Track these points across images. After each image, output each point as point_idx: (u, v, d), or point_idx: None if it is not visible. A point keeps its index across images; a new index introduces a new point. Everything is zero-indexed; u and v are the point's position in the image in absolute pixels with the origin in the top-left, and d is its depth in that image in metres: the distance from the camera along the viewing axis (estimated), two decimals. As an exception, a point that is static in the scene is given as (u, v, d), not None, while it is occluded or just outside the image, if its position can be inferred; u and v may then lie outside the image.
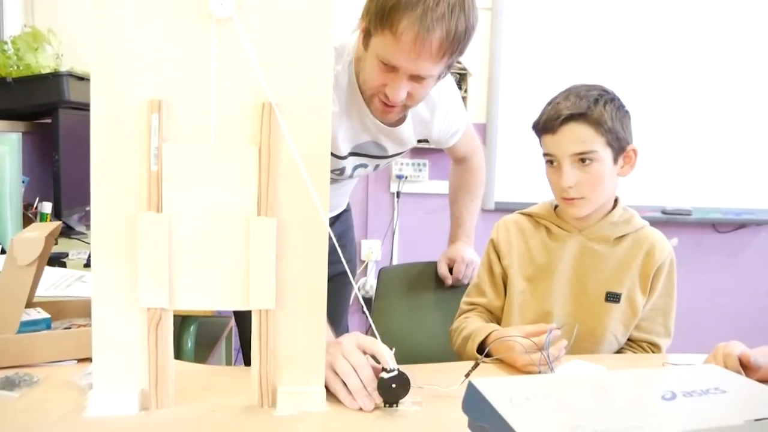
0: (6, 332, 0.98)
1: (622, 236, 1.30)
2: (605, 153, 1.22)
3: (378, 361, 0.91)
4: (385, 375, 0.87)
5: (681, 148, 3.07)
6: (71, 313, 1.19)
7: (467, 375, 0.95)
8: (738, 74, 3.07)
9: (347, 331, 1.79)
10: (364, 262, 2.94)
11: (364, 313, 3.01)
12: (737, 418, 0.63)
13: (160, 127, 0.81)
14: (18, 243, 0.99)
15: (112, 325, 0.84)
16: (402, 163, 2.87)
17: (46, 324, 1.09)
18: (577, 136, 1.21)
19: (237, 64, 0.82)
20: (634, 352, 1.31)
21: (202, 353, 1.79)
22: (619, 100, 1.26)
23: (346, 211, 1.77)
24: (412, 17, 1.07)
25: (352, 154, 1.39)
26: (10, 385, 0.90)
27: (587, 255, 1.30)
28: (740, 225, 3.16)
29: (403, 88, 1.18)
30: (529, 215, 1.38)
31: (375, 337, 0.91)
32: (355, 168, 1.44)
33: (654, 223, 2.94)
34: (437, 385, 0.92)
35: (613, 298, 1.28)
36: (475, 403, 0.68)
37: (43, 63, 2.07)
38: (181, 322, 1.44)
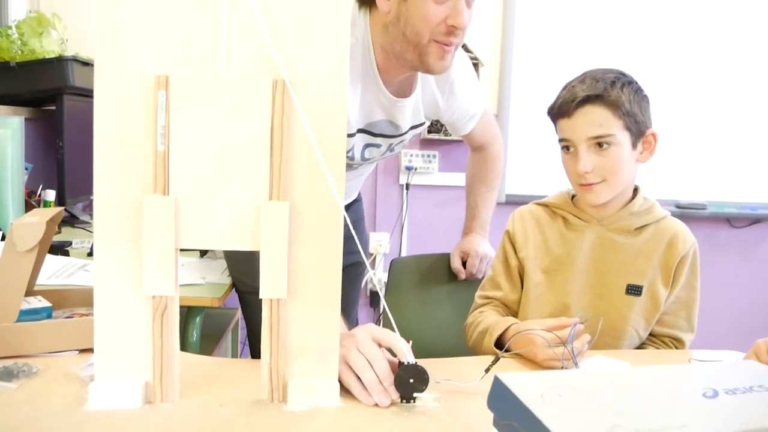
0: (5, 321, 0.94)
1: (642, 226, 1.25)
2: (623, 137, 1.17)
3: (394, 355, 0.87)
4: (401, 369, 0.82)
5: (696, 142, 3.01)
6: (73, 302, 1.15)
7: (487, 370, 0.90)
8: (753, 68, 3.01)
9: (357, 324, 1.75)
10: (372, 254, 2.89)
11: (372, 306, 2.98)
12: (789, 418, 0.58)
13: (168, 105, 0.77)
14: (18, 228, 0.95)
15: (114, 313, 0.79)
16: (411, 155, 2.82)
17: (47, 313, 1.05)
18: (593, 118, 1.16)
19: (248, 39, 0.77)
20: (657, 348, 1.26)
21: (208, 345, 1.75)
22: (636, 83, 1.21)
23: (357, 201, 1.73)
24: None
25: (361, 131, 1.34)
26: (8, 375, 0.86)
27: (606, 246, 1.25)
28: (755, 220, 3.10)
29: (465, 9, 1.16)
30: (545, 205, 1.34)
31: (391, 329, 0.86)
32: (365, 148, 1.39)
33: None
34: (456, 380, 0.88)
35: (634, 290, 1.23)
36: (502, 400, 0.64)
37: (48, 48, 2.03)
38: (187, 312, 1.40)
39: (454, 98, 1.40)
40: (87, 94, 2.07)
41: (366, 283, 2.85)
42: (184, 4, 0.77)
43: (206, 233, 0.80)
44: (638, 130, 1.19)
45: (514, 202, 2.76)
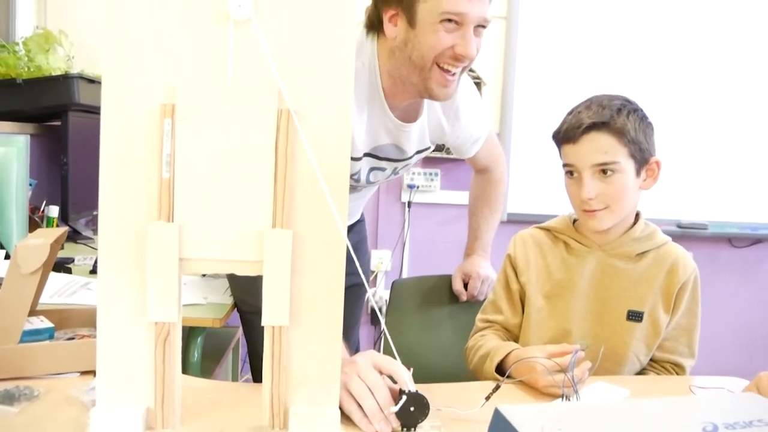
0: (7, 342, 0.94)
1: (643, 252, 1.25)
2: (628, 164, 1.18)
3: (395, 382, 0.87)
4: (402, 397, 0.82)
5: (697, 162, 3.02)
6: (75, 322, 1.15)
7: (488, 397, 0.91)
8: (754, 89, 3.03)
9: (358, 344, 1.75)
10: (373, 272, 2.90)
11: (373, 325, 2.97)
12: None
13: (173, 133, 0.78)
14: (22, 250, 0.95)
15: (117, 339, 0.80)
16: (414, 173, 2.83)
17: (48, 334, 1.06)
18: (599, 145, 1.17)
19: (254, 69, 0.78)
20: (657, 373, 1.26)
21: (209, 365, 1.75)
22: (642, 111, 1.22)
23: (360, 222, 1.73)
24: None
25: (367, 155, 1.35)
26: (9, 399, 0.86)
27: (608, 271, 1.25)
28: (756, 240, 3.10)
29: (473, 39, 1.17)
30: (546, 229, 1.34)
31: (393, 355, 0.87)
32: (370, 171, 1.40)
33: (669, 236, 2.89)
34: (456, 408, 0.88)
35: (635, 316, 1.23)
36: (502, 431, 0.64)
37: (54, 65, 2.05)
38: (188, 333, 1.40)
39: (459, 123, 1.41)
40: (92, 110, 2.09)
41: (367, 301, 2.86)
42: (192, 33, 0.78)
43: (209, 259, 0.81)
44: (642, 157, 1.20)
45: (516, 221, 2.77)
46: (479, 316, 1.36)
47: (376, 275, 2.91)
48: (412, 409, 0.82)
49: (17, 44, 2.14)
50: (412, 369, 0.87)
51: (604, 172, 1.17)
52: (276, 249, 0.79)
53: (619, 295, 1.24)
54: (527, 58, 2.89)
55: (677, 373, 1.26)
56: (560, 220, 1.34)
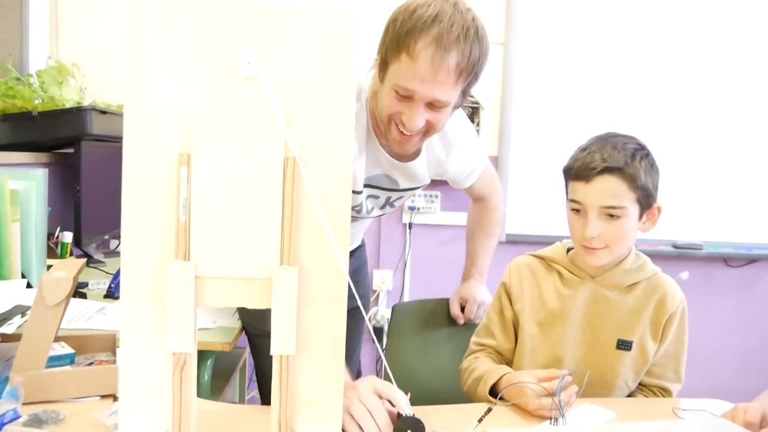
0: (34, 369, 1.02)
1: (634, 283, 1.30)
2: (633, 209, 1.22)
3: (394, 405, 0.94)
4: (400, 420, 0.89)
5: (693, 183, 3.09)
6: (93, 347, 1.22)
7: (480, 420, 0.97)
8: (749, 110, 3.10)
9: (359, 364, 1.81)
10: (375, 291, 2.97)
11: (374, 341, 3.03)
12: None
13: (189, 180, 0.85)
14: (47, 283, 1.03)
15: (138, 367, 0.87)
16: (414, 195, 2.91)
17: (70, 359, 1.13)
18: (610, 189, 1.20)
19: (262, 120, 0.86)
20: (645, 396, 1.32)
21: (218, 385, 1.82)
22: (652, 156, 1.25)
23: (361, 247, 1.81)
24: (429, 38, 1.11)
25: (366, 185, 1.43)
26: (38, 422, 0.94)
27: (599, 302, 1.31)
28: (752, 260, 3.17)
29: (419, 115, 1.19)
30: (541, 258, 1.39)
31: (391, 379, 0.93)
32: (368, 198, 1.47)
33: (665, 257, 2.97)
34: (451, 429, 0.95)
35: (624, 345, 1.29)
36: (489, 454, 0.71)
37: (67, 96, 2.14)
38: (199, 356, 1.47)
39: (456, 158, 1.48)
40: (103, 139, 2.18)
41: (370, 319, 2.93)
42: (206, 88, 0.85)
43: (223, 293, 0.88)
44: (647, 202, 1.24)
45: (514, 241, 2.85)
46: (473, 338, 1.42)
47: (378, 294, 2.98)
48: (409, 431, 0.89)
49: (31, 76, 2.23)
50: (409, 394, 0.94)
51: (610, 215, 1.21)
52: (283, 285, 0.87)
53: (609, 324, 1.29)
54: (525, 83, 2.97)
55: (664, 396, 1.32)
56: (555, 249, 1.39)
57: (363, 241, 1.83)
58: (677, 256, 3.02)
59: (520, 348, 1.35)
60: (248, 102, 0.86)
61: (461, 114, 1.44)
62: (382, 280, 2.96)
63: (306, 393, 0.90)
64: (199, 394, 1.42)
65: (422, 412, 1.02)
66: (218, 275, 0.87)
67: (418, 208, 2.92)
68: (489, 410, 0.99)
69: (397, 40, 1.14)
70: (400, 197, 1.52)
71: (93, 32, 2.59)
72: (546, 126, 2.99)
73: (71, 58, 2.41)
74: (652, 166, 1.24)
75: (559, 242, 1.41)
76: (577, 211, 1.25)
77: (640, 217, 1.24)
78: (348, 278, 0.89)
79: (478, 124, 2.89)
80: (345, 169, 0.89)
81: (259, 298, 0.88)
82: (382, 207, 1.53)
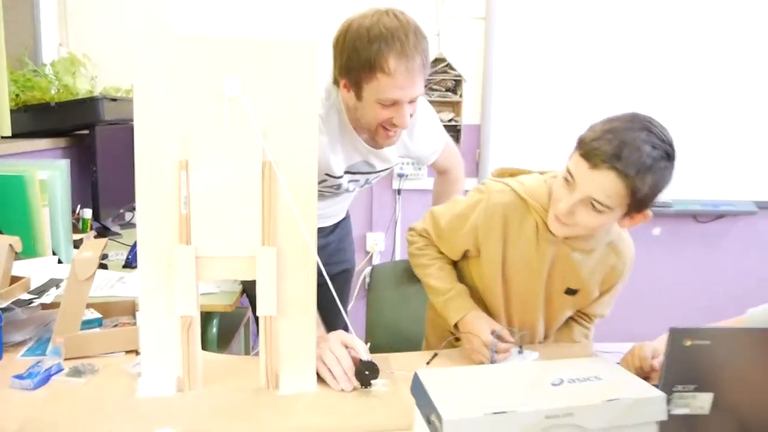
0: (71, 332, 1.26)
1: (597, 248, 1.35)
2: (620, 210, 1.19)
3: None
4: (360, 364, 1.14)
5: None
6: (117, 311, 1.46)
7: (428, 363, 1.22)
8: (716, 73, 3.26)
9: (347, 321, 2.05)
10: (369, 252, 3.22)
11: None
12: (597, 398, 0.89)
13: (188, 181, 1.08)
14: (78, 262, 1.27)
15: (155, 328, 1.12)
16: (403, 163, 3.12)
17: (98, 322, 1.38)
18: (607, 187, 1.14)
19: (244, 132, 1.08)
20: (576, 322, 1.51)
21: (226, 339, 2.08)
22: (672, 166, 1.19)
23: (346, 219, 2.03)
24: (396, 54, 1.33)
25: (346, 172, 1.65)
26: (78, 373, 1.19)
27: (564, 260, 1.35)
28: (719, 215, 3.37)
29: (407, 114, 1.43)
30: (523, 200, 1.33)
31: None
32: (349, 182, 1.70)
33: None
34: (406, 371, 1.19)
35: (571, 292, 1.41)
36: (418, 388, 0.95)
37: (80, 85, 2.35)
38: (206, 316, 1.72)
39: (419, 140, 1.68)
40: (115, 123, 2.40)
41: (364, 278, 3.19)
42: (198, 108, 1.07)
43: (218, 269, 1.12)
44: (637, 210, 1.20)
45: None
46: (428, 225, 1.48)
47: (372, 255, 3.23)
48: (367, 372, 1.14)
49: (45, 66, 2.44)
50: (369, 344, 1.18)
51: (595, 207, 1.16)
52: (265, 261, 1.10)
53: (565, 278, 1.38)
54: (505, 55, 3.14)
55: (590, 320, 1.52)
56: (537, 191, 1.32)
57: (348, 213, 2.05)
58: (648, 214, 3.23)
59: (481, 280, 1.42)
60: (233, 118, 1.08)
61: (422, 101, 1.64)
62: (374, 242, 3.20)
63: (286, 346, 1.15)
64: (207, 348, 1.70)
65: (383, 359, 1.28)
66: (214, 255, 1.11)
67: (407, 175, 3.14)
68: (435, 354, 1.24)
69: (368, 65, 1.34)
70: (377, 176, 1.74)
71: (101, 20, 2.77)
72: (525, 96, 3.17)
73: (80, 45, 2.62)
74: (664, 178, 1.17)
75: (542, 178, 1.36)
76: (568, 181, 1.20)
77: (624, 216, 1.22)
78: (316, 255, 1.12)
79: (460, 96, 3.09)
80: (311, 169, 1.11)
81: (247, 272, 1.12)
82: (362, 185, 1.76)
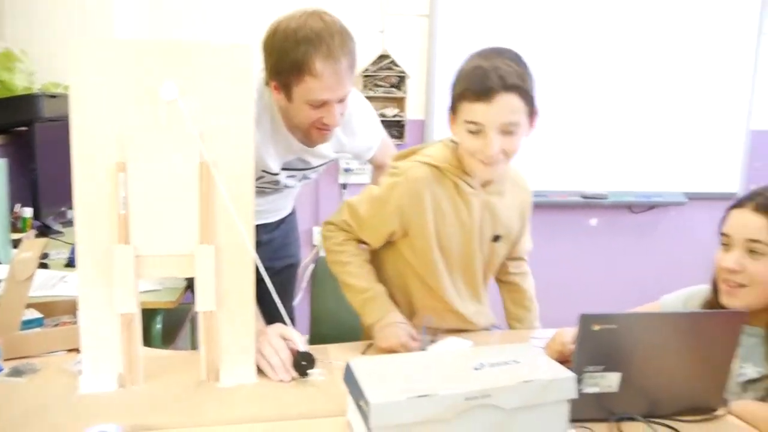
0: (11, 332, 1.27)
1: (505, 185, 1.46)
2: (525, 120, 1.29)
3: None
4: (297, 355, 1.19)
5: (598, 138, 3.42)
6: (58, 311, 1.47)
7: (363, 353, 1.28)
8: (647, 69, 3.41)
9: (294, 313, 2.08)
10: (315, 246, 3.26)
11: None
12: (513, 380, 0.96)
13: (127, 182, 1.11)
14: (17, 263, 1.28)
15: (95, 326, 1.14)
16: (348, 159, 3.17)
17: (39, 322, 1.38)
18: (509, 106, 1.25)
19: (182, 133, 1.11)
20: (511, 272, 1.63)
21: (171, 335, 2.10)
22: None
23: (291, 215, 2.07)
24: (322, 56, 1.35)
25: (283, 169, 1.68)
26: (18, 372, 1.20)
27: (488, 209, 1.44)
28: (651, 206, 3.54)
29: (337, 113, 1.46)
30: (436, 167, 1.40)
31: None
32: (287, 178, 1.74)
33: (574, 206, 3.33)
34: (341, 360, 1.25)
35: (497, 239, 1.49)
36: (349, 376, 1.00)
37: (18, 81, 2.32)
38: (149, 313, 1.74)
39: (355, 137, 1.72)
40: (55, 119, 2.37)
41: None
42: (136, 110, 1.10)
43: (158, 267, 1.15)
44: (532, 111, 1.30)
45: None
46: (345, 217, 1.50)
47: (318, 250, 3.27)
48: (303, 363, 1.19)
49: (-18, 62, 2.40)
50: (306, 336, 1.23)
51: (508, 130, 1.27)
52: (203, 258, 1.14)
53: (491, 225, 1.46)
54: (447, 52, 3.21)
55: (523, 260, 1.64)
56: (444, 156, 1.40)
57: (294, 209, 2.09)
58: (585, 205, 3.38)
59: (411, 251, 1.46)
60: (170, 120, 1.11)
61: (355, 95, 1.67)
62: (320, 236, 3.24)
63: (226, 339, 1.19)
64: (151, 344, 1.73)
65: (323, 349, 1.34)
66: (154, 254, 1.14)
67: (353, 170, 3.19)
68: (370, 345, 1.30)
69: (295, 67, 1.36)
70: (314, 171, 1.78)
71: (40, 14, 2.71)
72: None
73: (18, 40, 2.56)
74: (530, 74, 1.30)
75: (441, 143, 1.45)
76: (473, 131, 1.29)
77: (527, 123, 1.31)
78: (254, 252, 1.16)
79: (405, 92, 3.15)
80: (248, 168, 1.15)
81: (186, 269, 1.16)
82: (300, 180, 1.80)
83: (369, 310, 1.43)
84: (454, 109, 1.35)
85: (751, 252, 1.21)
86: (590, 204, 3.37)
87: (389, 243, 1.51)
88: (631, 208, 3.54)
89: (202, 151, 1.12)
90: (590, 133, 3.40)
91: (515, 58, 1.30)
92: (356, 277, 1.47)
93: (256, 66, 1.33)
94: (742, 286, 1.23)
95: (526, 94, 1.27)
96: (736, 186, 3.57)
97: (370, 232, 1.49)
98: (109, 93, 1.10)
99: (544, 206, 3.31)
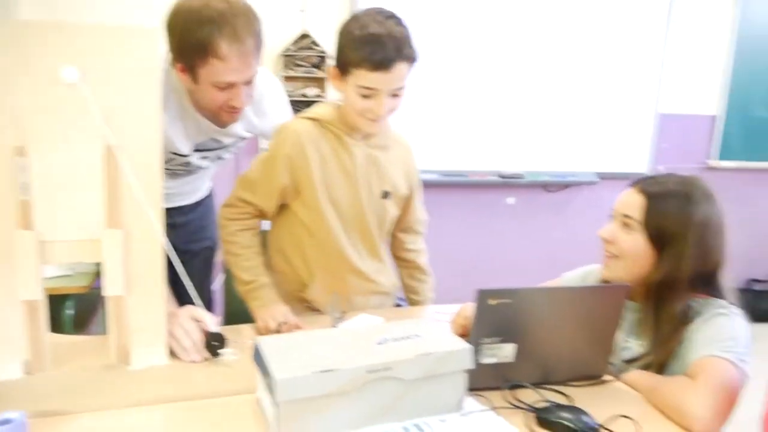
0: None
1: (389, 141, 1.57)
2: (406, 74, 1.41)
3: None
4: (208, 336, 1.21)
5: (514, 119, 3.54)
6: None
7: (277, 332, 1.31)
8: (563, 55, 3.55)
9: (212, 295, 2.07)
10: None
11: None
12: (412, 353, 1.02)
13: (31, 167, 1.09)
14: None
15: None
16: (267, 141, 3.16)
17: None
18: (400, 73, 1.37)
19: (85, 116, 1.10)
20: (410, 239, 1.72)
21: (84, 321, 2.06)
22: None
23: (208, 197, 2.06)
24: (227, 37, 1.33)
25: (196, 150, 1.67)
26: None
27: (371, 161, 1.53)
28: (566, 185, 3.71)
29: (244, 95, 1.45)
30: (317, 120, 1.50)
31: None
32: (200, 159, 1.73)
33: (492, 185, 3.43)
34: (252, 340, 1.27)
35: (386, 195, 1.58)
36: (258, 355, 1.03)
37: None
38: (60, 298, 1.71)
39: (266, 117, 1.71)
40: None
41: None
42: (37, 93, 1.08)
43: (65, 252, 1.14)
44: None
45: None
46: (238, 192, 1.57)
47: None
48: (214, 343, 1.21)
49: None
50: (221, 317, 1.25)
51: (396, 94, 1.40)
52: (111, 243, 1.14)
53: (378, 180, 1.55)
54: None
55: (418, 233, 1.74)
56: (328, 112, 1.50)
57: (211, 191, 2.08)
58: (503, 184, 3.50)
59: (305, 211, 1.53)
60: (72, 103, 1.10)
61: (266, 75, 1.67)
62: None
63: (136, 323, 1.19)
64: (62, 330, 1.70)
65: (236, 329, 1.37)
66: (60, 239, 1.13)
67: (274, 151, 3.18)
68: (281, 323, 1.34)
69: (199, 48, 1.34)
70: (227, 150, 1.78)
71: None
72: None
73: None
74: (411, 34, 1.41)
75: (327, 103, 1.55)
76: (367, 95, 1.39)
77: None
78: (163, 235, 1.17)
79: (326, 72, 3.15)
80: (155, 151, 1.16)
81: (93, 254, 1.15)
82: (214, 161, 1.79)
83: (251, 298, 1.50)
84: (344, 71, 1.40)
85: (625, 225, 1.31)
86: (508, 183, 3.49)
87: (284, 209, 1.56)
88: (546, 187, 3.69)
89: (107, 135, 1.11)
90: (508, 115, 3.52)
91: (399, 20, 1.39)
92: (244, 271, 1.52)
93: (163, 47, 1.32)
94: (615, 257, 1.33)
95: (414, 60, 1.39)
96: (645, 166, 3.77)
97: (263, 193, 1.53)
98: (6, 75, 1.07)
99: (464, 185, 3.41)
